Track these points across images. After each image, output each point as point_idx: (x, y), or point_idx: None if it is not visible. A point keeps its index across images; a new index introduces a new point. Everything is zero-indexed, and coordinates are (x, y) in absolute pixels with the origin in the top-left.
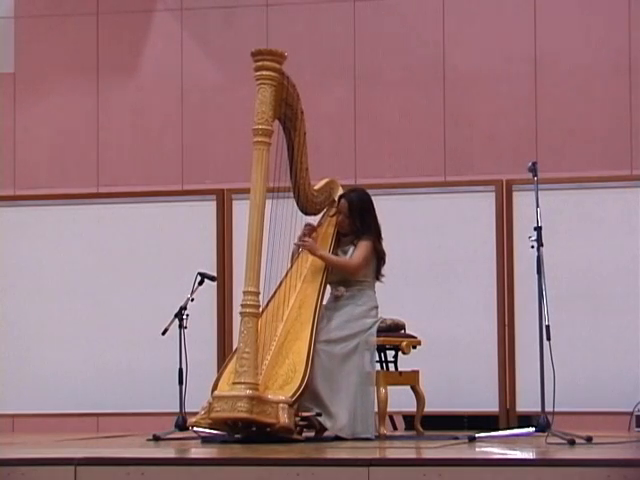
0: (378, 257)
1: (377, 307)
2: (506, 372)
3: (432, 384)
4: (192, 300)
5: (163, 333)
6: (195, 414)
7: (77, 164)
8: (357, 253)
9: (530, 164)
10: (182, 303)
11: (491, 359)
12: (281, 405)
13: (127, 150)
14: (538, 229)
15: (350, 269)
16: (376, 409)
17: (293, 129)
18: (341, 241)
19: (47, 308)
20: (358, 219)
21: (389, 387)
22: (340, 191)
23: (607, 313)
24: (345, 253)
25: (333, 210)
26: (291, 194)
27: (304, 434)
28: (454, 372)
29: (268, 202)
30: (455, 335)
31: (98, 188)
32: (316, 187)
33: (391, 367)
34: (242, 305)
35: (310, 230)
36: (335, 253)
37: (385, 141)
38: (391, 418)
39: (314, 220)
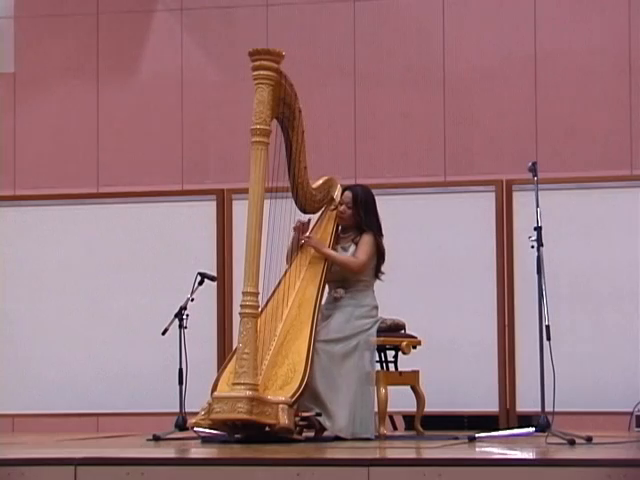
0: (379, 254)
1: (377, 307)
2: (506, 372)
3: (432, 384)
4: (192, 300)
5: (163, 333)
6: (195, 414)
7: (77, 164)
8: (361, 249)
9: (530, 164)
10: (182, 303)
11: (491, 359)
12: (281, 406)
13: (127, 150)
14: (538, 229)
15: (355, 267)
16: (376, 409)
17: (291, 128)
18: (340, 238)
19: (47, 308)
20: (362, 210)
21: (389, 387)
22: (339, 189)
23: (607, 313)
24: (345, 250)
25: (333, 205)
26: (289, 194)
27: (304, 434)
28: (454, 372)
29: (267, 202)
30: (455, 335)
31: (98, 188)
32: (315, 185)
33: (391, 367)
34: (241, 306)
35: (304, 226)
36: (334, 250)
37: (385, 141)
38: (391, 418)
39: (313, 219)
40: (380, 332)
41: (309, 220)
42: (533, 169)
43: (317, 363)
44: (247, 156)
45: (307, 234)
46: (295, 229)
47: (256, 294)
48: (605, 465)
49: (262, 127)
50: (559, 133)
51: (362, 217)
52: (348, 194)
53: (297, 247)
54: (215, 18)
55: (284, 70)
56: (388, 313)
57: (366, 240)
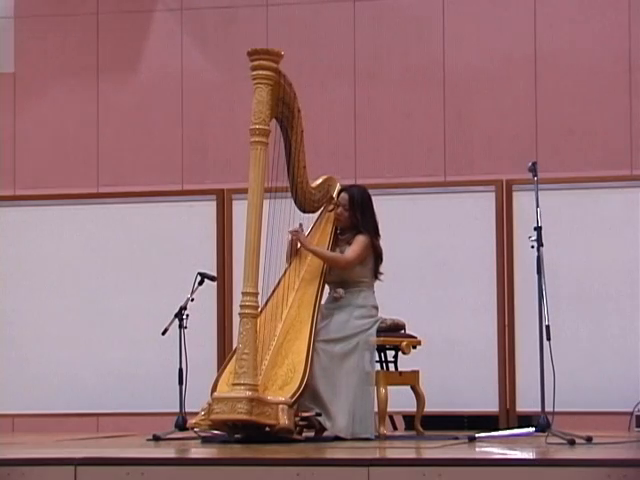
0: (376, 255)
1: (377, 307)
2: (506, 372)
3: (432, 384)
4: (192, 300)
5: (163, 333)
6: (195, 414)
7: (77, 164)
8: (351, 248)
9: (530, 164)
10: (182, 303)
11: (491, 359)
12: (281, 406)
13: (127, 150)
14: (538, 229)
15: (342, 263)
16: (376, 409)
17: (290, 128)
18: (339, 239)
19: (47, 308)
20: (359, 212)
21: (389, 387)
22: (338, 187)
23: (607, 313)
24: (343, 253)
25: (332, 205)
26: (289, 194)
27: (304, 434)
28: (454, 372)
29: (266, 202)
30: (455, 335)
31: (98, 188)
32: (314, 184)
33: (391, 367)
34: (241, 306)
35: (299, 229)
36: (333, 251)
37: (385, 141)
38: (391, 418)
39: (312, 218)
40: (380, 332)
41: (301, 224)
42: (533, 169)
43: (317, 363)
44: (247, 156)
45: (297, 230)
46: (291, 233)
47: (255, 294)
48: (605, 465)
49: (261, 127)
50: (559, 133)
51: (358, 219)
52: (344, 196)
53: (295, 249)
54: (215, 18)
55: (284, 70)
56: (388, 313)
57: (359, 240)
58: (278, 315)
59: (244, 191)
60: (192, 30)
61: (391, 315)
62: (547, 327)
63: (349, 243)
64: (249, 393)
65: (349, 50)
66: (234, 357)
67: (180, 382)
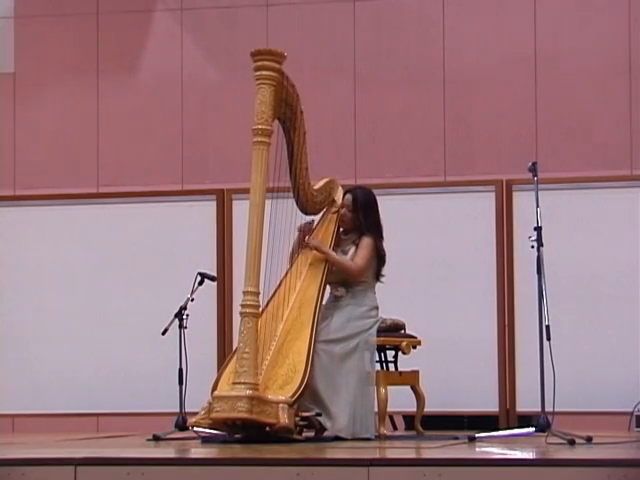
0: (378, 257)
1: (377, 307)
2: (506, 372)
3: (432, 384)
4: (192, 300)
5: (163, 333)
6: (195, 414)
7: (77, 164)
8: (361, 253)
9: (530, 164)
10: (182, 303)
11: (491, 359)
12: (281, 405)
13: (127, 150)
14: (538, 229)
15: (354, 272)
16: (376, 409)
17: (293, 129)
18: (341, 240)
19: (47, 308)
20: (362, 214)
21: (389, 387)
22: (340, 191)
23: (607, 313)
24: (345, 253)
25: (334, 207)
26: (291, 194)
27: (304, 434)
28: (454, 372)
29: (268, 202)
30: (455, 335)
31: (98, 188)
32: (316, 187)
33: (391, 367)
34: (242, 305)
35: (308, 228)
36: (334, 252)
37: (385, 141)
38: (391, 418)
39: (315, 219)
40: (380, 332)
41: (313, 221)
42: (533, 169)
43: (317, 363)
44: (247, 156)
45: (308, 237)
46: (299, 230)
47: (257, 294)
48: (605, 465)
49: (264, 127)
50: (559, 133)
51: (362, 220)
52: (349, 197)
53: (299, 248)
54: (215, 18)
55: (284, 70)
56: (388, 313)
57: (365, 244)
58: (279, 315)
59: (244, 191)
60: (192, 30)
61: (391, 315)
62: (547, 327)
63: (354, 243)
64: (249, 392)
65: (349, 50)
66: (235, 357)
67: (180, 382)
